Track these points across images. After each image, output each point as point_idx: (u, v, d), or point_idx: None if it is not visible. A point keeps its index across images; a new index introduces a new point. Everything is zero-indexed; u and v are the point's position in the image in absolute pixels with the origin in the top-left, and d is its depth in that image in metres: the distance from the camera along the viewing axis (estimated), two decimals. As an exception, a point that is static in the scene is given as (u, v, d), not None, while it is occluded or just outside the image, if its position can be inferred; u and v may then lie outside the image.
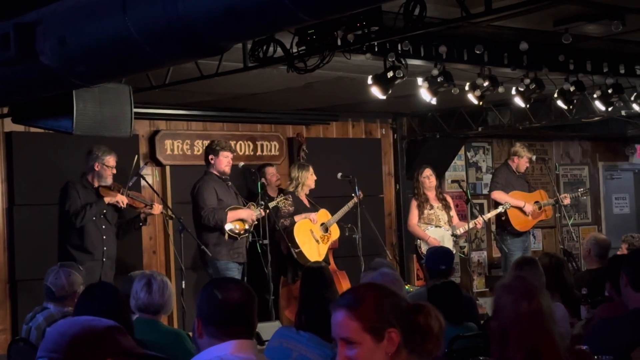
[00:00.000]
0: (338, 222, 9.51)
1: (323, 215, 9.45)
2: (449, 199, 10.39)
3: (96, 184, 7.94)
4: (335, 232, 9.49)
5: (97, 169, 7.92)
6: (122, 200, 7.91)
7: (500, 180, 10.44)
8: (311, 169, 9.48)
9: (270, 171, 9.74)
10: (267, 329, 6.63)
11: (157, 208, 8.21)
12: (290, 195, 9.33)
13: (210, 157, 8.67)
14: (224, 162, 8.64)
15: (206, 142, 9.39)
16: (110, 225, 8.00)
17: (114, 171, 7.99)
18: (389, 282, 4.47)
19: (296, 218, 9.24)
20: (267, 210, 8.72)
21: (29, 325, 5.58)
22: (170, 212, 8.63)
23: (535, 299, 3.47)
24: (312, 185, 9.48)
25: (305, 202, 9.50)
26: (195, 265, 9.03)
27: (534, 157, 11.11)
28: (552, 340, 3.42)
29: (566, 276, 6.25)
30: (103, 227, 7.91)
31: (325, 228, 9.40)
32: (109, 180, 7.97)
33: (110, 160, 7.94)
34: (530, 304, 3.44)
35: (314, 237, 9.27)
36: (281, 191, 9.65)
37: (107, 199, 7.87)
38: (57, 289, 5.57)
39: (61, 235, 7.92)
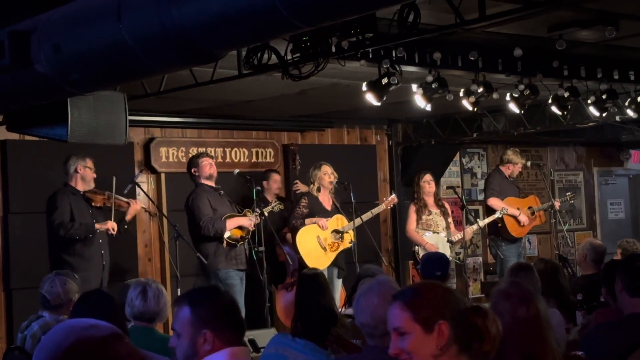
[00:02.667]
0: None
1: (335, 221, 9.34)
2: (447, 205, 10.38)
3: (81, 189, 7.93)
4: (348, 239, 9.33)
5: (80, 171, 7.92)
6: (113, 227, 7.89)
7: (495, 187, 10.45)
8: (324, 168, 9.33)
9: (275, 178, 9.69)
10: (263, 336, 6.63)
11: (137, 203, 8.22)
12: (306, 196, 9.29)
13: (193, 170, 8.67)
14: (206, 166, 8.64)
15: (201, 149, 9.40)
16: (105, 231, 7.99)
17: (94, 175, 7.98)
18: (387, 292, 4.45)
19: (307, 221, 9.20)
20: (263, 217, 8.71)
21: (24, 333, 5.57)
22: (153, 212, 8.64)
23: (533, 304, 3.48)
24: (328, 186, 9.32)
25: (326, 203, 9.38)
26: (191, 272, 9.01)
27: (528, 163, 11.14)
28: (549, 345, 3.43)
29: (562, 281, 6.26)
30: (98, 232, 7.90)
31: (339, 234, 9.32)
32: (92, 184, 7.98)
33: (89, 161, 7.95)
34: (528, 310, 3.46)
35: (320, 243, 9.18)
36: (279, 199, 9.62)
37: (98, 226, 7.86)
38: (53, 297, 5.56)
39: (54, 243, 7.88)
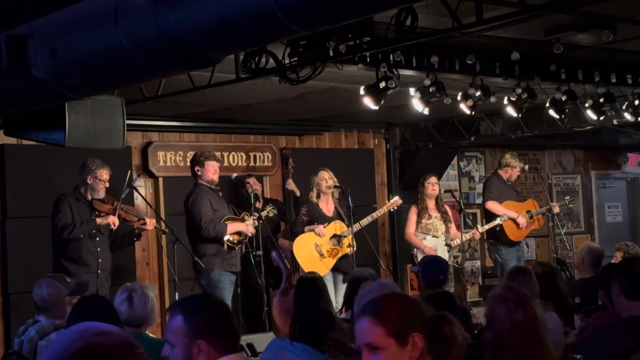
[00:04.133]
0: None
1: (334, 226, 9.31)
2: (449, 211, 10.35)
3: (89, 197, 7.93)
4: (347, 243, 9.28)
5: (89, 182, 7.90)
6: (113, 221, 7.89)
7: (493, 191, 10.44)
8: (321, 173, 9.33)
9: (251, 181, 9.67)
10: (261, 340, 6.63)
11: (151, 223, 8.17)
12: (305, 204, 9.29)
13: (196, 168, 8.66)
14: (210, 170, 8.62)
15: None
16: (104, 237, 7.99)
17: (107, 185, 7.97)
18: (388, 291, 4.46)
19: (306, 229, 9.19)
20: (261, 221, 8.70)
21: (21, 338, 5.57)
22: (163, 227, 8.60)
23: (530, 308, 3.49)
24: (326, 191, 9.31)
25: (326, 210, 9.36)
26: (189, 276, 9.01)
27: (526, 167, 11.14)
28: (546, 348, 3.43)
29: (560, 285, 6.26)
30: (97, 239, 7.90)
31: (339, 240, 9.30)
32: (101, 194, 7.96)
33: (104, 173, 7.92)
34: (525, 313, 3.46)
35: (318, 251, 9.17)
36: (272, 202, 9.60)
37: (99, 220, 7.86)
38: (38, 299, 5.58)
39: (55, 248, 7.89)
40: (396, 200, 9.86)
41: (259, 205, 9.15)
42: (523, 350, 3.38)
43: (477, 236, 10.48)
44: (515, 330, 3.41)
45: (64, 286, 5.73)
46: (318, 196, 9.35)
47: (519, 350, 3.38)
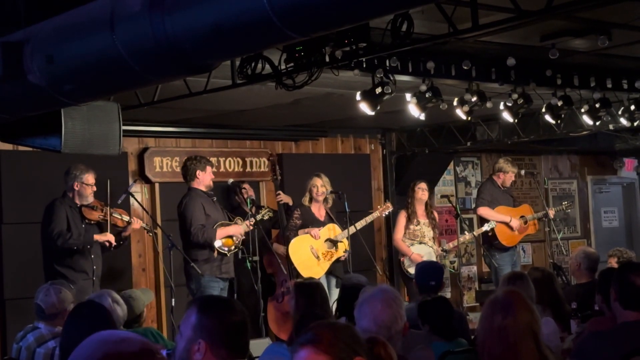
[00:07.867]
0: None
1: (328, 230, 9.33)
2: (437, 218, 10.34)
3: (78, 203, 7.90)
4: (343, 248, 9.30)
5: (76, 188, 7.86)
6: (110, 239, 7.86)
7: (485, 197, 10.44)
8: (314, 180, 9.33)
9: (246, 186, 9.70)
10: (257, 346, 6.60)
11: (137, 223, 8.16)
12: (299, 208, 9.29)
13: (197, 172, 8.61)
14: (210, 175, 8.63)
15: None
16: (97, 243, 7.95)
17: (94, 188, 7.93)
18: (390, 299, 4.45)
19: (300, 232, 9.20)
20: (256, 226, 8.68)
21: (20, 344, 5.55)
22: (152, 227, 8.58)
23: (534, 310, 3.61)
24: (319, 197, 9.33)
25: (318, 214, 9.38)
26: (185, 282, 9.00)
27: (522, 172, 11.14)
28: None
29: (557, 290, 6.25)
30: (89, 246, 7.87)
31: (333, 243, 9.32)
32: (90, 199, 7.92)
33: (89, 178, 7.89)
34: (532, 315, 3.56)
35: (313, 253, 9.18)
36: (259, 207, 9.59)
37: (96, 237, 7.83)
38: (48, 307, 5.54)
39: (48, 254, 7.85)
40: (387, 205, 9.87)
41: (254, 210, 9.15)
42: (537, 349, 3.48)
43: (468, 238, 10.48)
44: (528, 332, 3.49)
45: (70, 292, 5.72)
46: (310, 201, 9.38)
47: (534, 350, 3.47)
